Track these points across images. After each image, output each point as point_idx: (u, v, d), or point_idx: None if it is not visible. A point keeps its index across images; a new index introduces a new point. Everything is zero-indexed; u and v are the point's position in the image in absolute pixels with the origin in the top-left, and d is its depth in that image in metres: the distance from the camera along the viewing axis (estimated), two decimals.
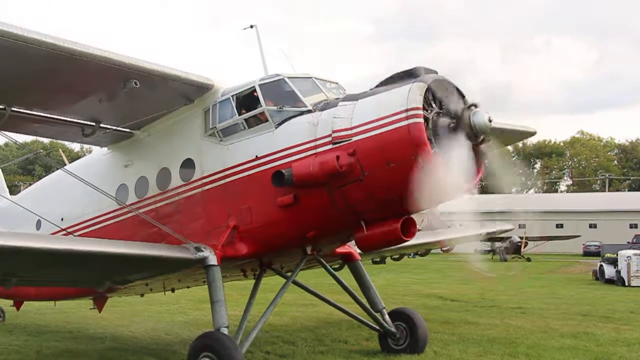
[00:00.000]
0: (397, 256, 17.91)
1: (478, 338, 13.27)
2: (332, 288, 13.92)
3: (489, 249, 59.10)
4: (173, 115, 10.86)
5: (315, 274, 14.26)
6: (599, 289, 26.39)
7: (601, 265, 30.43)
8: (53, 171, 14.81)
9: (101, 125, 10.97)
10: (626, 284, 27.40)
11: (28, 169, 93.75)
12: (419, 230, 9.64)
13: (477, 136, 8.48)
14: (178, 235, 9.91)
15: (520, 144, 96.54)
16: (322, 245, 10.29)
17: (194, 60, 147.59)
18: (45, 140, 68.73)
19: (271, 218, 9.40)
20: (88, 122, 10.90)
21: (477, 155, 8.70)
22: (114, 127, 11.21)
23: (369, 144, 8.47)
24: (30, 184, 30.56)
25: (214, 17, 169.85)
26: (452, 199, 8.98)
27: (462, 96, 8.60)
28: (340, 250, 11.60)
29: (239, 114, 9.89)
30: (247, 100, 9.92)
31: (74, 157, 43.15)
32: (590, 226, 75.45)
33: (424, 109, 8.29)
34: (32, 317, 17.89)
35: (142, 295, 14.16)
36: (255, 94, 9.77)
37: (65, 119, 10.76)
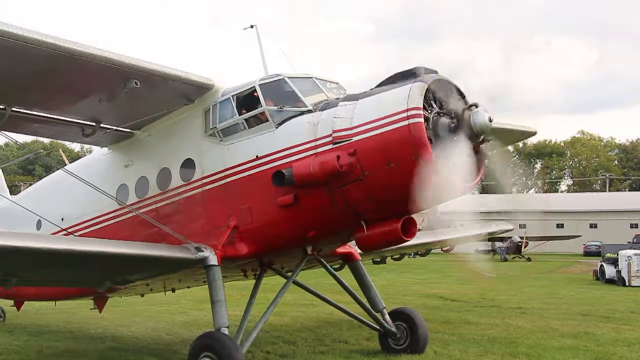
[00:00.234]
0: (398, 256, 17.87)
1: (478, 338, 13.27)
2: (332, 288, 13.92)
3: (489, 248, 59.14)
4: (173, 115, 10.86)
5: (315, 274, 14.26)
6: (599, 289, 26.39)
7: (602, 265, 30.41)
8: (53, 171, 14.81)
9: (101, 125, 10.97)
10: (627, 283, 27.38)
11: (28, 169, 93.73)
12: (419, 230, 9.64)
13: (477, 136, 8.48)
14: (178, 235, 9.91)
15: (520, 144, 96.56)
16: (323, 245, 10.29)
17: (194, 60, 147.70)
18: (46, 140, 68.82)
19: (271, 218, 9.40)
20: (88, 122, 10.90)
21: (478, 155, 8.70)
22: (114, 127, 11.21)
23: (369, 143, 8.46)
24: (30, 184, 30.59)
25: (214, 17, 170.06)
26: (452, 199, 8.98)
27: (463, 96, 8.60)
28: (340, 250, 11.61)
29: (239, 114, 9.89)
30: (247, 100, 9.92)
31: (74, 157, 43.15)
32: (591, 226, 75.41)
33: (424, 108, 8.29)
34: (33, 317, 17.89)
35: (142, 295, 14.17)
36: (255, 94, 9.77)
37: (66, 119, 10.76)
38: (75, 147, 78.53)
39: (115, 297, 14.57)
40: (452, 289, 26.13)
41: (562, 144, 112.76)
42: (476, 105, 8.43)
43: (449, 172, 8.19)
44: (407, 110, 8.20)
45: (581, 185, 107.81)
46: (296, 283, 11.44)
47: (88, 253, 8.66)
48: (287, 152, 9.19)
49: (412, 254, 27.79)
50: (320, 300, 12.54)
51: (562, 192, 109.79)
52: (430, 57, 9.75)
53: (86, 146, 56.04)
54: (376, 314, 11.81)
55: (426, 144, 8.13)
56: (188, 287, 13.43)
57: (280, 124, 9.46)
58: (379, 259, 22.34)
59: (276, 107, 9.56)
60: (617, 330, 14.45)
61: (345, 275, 12.25)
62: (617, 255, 28.92)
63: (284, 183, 8.81)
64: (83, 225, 12.07)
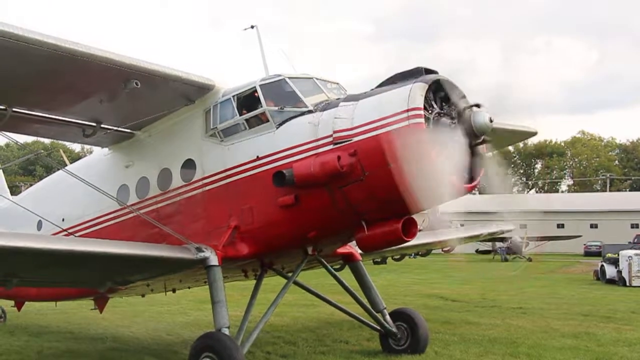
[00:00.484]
0: (398, 256, 17.85)
1: (479, 338, 13.27)
2: (333, 288, 13.92)
3: (490, 249, 59.19)
4: (174, 116, 10.86)
5: (316, 275, 14.26)
6: (600, 289, 26.37)
7: (602, 266, 30.40)
8: (54, 172, 14.82)
9: (102, 125, 10.97)
10: (627, 284, 27.36)
11: (29, 170, 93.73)
12: (420, 230, 9.64)
13: (477, 136, 8.48)
14: (179, 236, 9.91)
15: (521, 144, 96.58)
16: (323, 245, 10.29)
17: (194, 60, 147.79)
18: (46, 141, 68.66)
19: (272, 218, 9.40)
20: (89, 123, 10.90)
21: (478, 155, 8.70)
22: (115, 128, 11.20)
23: (370, 144, 8.46)
24: (31, 185, 30.60)
25: (214, 17, 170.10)
26: (453, 199, 8.98)
27: (463, 96, 8.60)
28: (341, 250, 11.61)
29: (240, 115, 9.89)
30: (248, 100, 9.92)
31: (74, 157, 43.18)
32: (592, 226, 75.37)
33: (424, 109, 8.29)
34: (33, 318, 17.90)
35: (143, 295, 14.17)
36: (256, 94, 9.77)
37: (66, 119, 10.76)
38: (76, 147, 78.62)
39: (116, 298, 14.58)
40: (452, 289, 26.14)
41: (562, 144, 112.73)
42: (477, 106, 8.44)
43: (449, 173, 8.20)
44: (408, 110, 8.21)
45: (582, 186, 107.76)
46: (297, 283, 11.43)
47: (89, 253, 8.66)
48: (288, 152, 9.19)
49: (413, 254, 27.81)
50: (320, 301, 12.54)
51: (562, 192, 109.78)
52: (431, 58, 9.74)
53: (87, 147, 56.09)
54: (377, 314, 11.81)
55: (426, 145, 8.13)
56: (189, 288, 13.44)
57: (280, 124, 9.46)
58: (379, 260, 22.35)
59: (277, 108, 9.56)
60: (618, 331, 14.44)
61: (346, 275, 12.25)
62: (618, 255, 28.91)
63: (284, 183, 8.81)
64: (84, 226, 12.07)
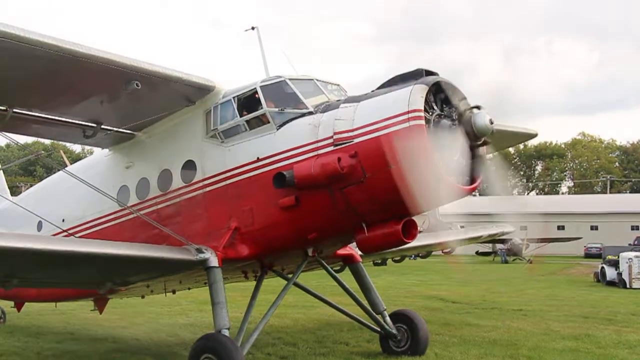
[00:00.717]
0: (398, 258, 17.85)
1: (479, 340, 13.26)
2: (333, 290, 13.93)
3: (490, 250, 59.17)
4: (174, 117, 10.86)
5: (316, 276, 14.26)
6: (600, 291, 26.36)
7: (603, 267, 30.38)
8: (54, 172, 14.82)
9: (102, 126, 10.95)
10: (628, 286, 27.31)
11: (29, 170, 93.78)
12: (420, 232, 9.63)
13: (478, 138, 8.48)
14: (179, 237, 9.91)
15: (521, 146, 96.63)
16: (324, 246, 10.28)
17: (194, 60, 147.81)
18: (47, 142, 68.88)
19: (272, 220, 9.39)
20: (89, 124, 10.88)
21: (478, 157, 8.70)
22: (116, 129, 11.20)
23: (370, 145, 8.46)
24: (31, 185, 30.58)
25: (214, 17, 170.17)
26: (453, 201, 8.98)
27: (463, 98, 8.59)
28: (341, 252, 11.60)
29: (240, 116, 9.89)
30: (248, 101, 9.92)
31: (75, 158, 43.18)
32: (592, 228, 75.34)
33: (425, 110, 8.29)
34: (33, 319, 17.88)
35: (143, 296, 14.16)
36: (256, 95, 9.77)
37: (67, 120, 10.74)
38: (76, 148, 78.54)
39: (116, 299, 14.57)
40: (452, 290, 26.11)
41: (563, 145, 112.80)
42: (477, 107, 8.44)
43: (449, 174, 8.20)
44: (408, 112, 8.21)
45: (582, 187, 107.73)
46: (297, 285, 11.42)
47: (89, 254, 8.66)
48: (288, 153, 9.19)
49: (413, 255, 27.81)
50: (320, 302, 12.54)
51: (563, 194, 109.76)
52: (432, 59, 9.75)
53: (87, 147, 56.16)
54: (377, 315, 11.80)
55: (427, 146, 8.13)
56: (189, 289, 13.43)
57: (281, 125, 9.46)
58: (379, 261, 22.38)
59: (277, 109, 9.56)
60: (619, 333, 14.43)
61: (346, 277, 12.24)
62: (618, 257, 28.90)
63: (285, 185, 8.81)
64: (84, 227, 12.06)
